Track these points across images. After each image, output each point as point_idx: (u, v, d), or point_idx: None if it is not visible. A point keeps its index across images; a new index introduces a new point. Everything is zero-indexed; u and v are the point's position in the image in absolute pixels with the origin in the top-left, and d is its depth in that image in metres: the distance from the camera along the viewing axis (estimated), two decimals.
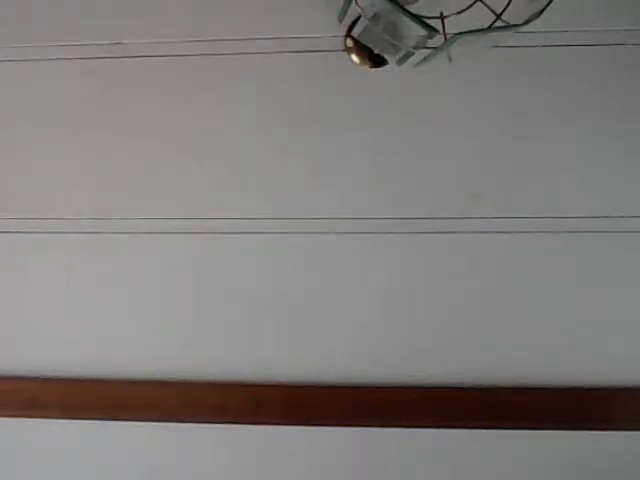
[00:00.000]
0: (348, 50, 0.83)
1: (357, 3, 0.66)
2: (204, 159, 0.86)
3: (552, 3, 0.54)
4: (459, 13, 0.62)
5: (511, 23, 0.58)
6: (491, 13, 0.61)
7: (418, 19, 0.54)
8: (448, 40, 0.56)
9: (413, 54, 0.65)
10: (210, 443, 0.90)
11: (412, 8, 0.56)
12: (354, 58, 0.83)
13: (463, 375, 0.87)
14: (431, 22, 0.55)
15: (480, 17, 0.60)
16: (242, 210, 0.87)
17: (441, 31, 0.59)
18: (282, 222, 0.86)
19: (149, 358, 0.89)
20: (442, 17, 0.60)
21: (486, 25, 0.59)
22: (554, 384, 0.86)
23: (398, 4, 0.53)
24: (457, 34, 0.54)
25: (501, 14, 0.61)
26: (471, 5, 0.63)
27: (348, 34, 0.83)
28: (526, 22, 0.56)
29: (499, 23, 0.60)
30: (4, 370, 0.91)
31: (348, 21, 0.81)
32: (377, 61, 0.83)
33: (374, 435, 0.88)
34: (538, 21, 0.56)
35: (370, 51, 0.79)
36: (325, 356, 0.88)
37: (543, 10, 0.55)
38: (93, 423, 0.89)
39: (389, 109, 0.84)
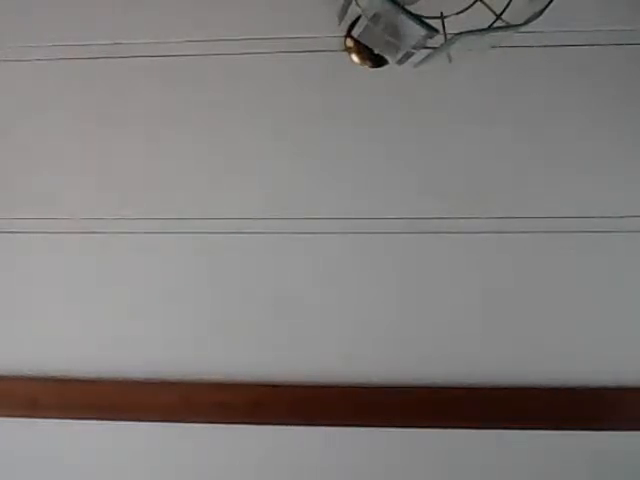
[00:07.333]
0: (348, 50, 0.83)
1: (357, 3, 0.66)
2: (204, 159, 0.87)
3: (552, 3, 0.54)
4: (459, 13, 0.62)
5: (511, 23, 0.58)
6: (491, 13, 0.61)
7: (418, 19, 0.54)
8: (448, 40, 0.56)
9: (413, 54, 0.65)
10: (210, 443, 0.90)
11: (412, 8, 0.56)
12: (354, 58, 0.83)
13: (463, 375, 0.87)
14: (431, 22, 0.55)
15: (480, 17, 0.60)
16: (242, 210, 0.87)
17: (441, 31, 0.59)
18: (282, 222, 0.86)
19: (149, 358, 0.90)
20: (442, 17, 0.60)
21: (486, 25, 0.59)
22: (554, 384, 0.86)
23: (398, 4, 0.53)
24: (457, 34, 0.54)
25: (501, 14, 0.61)
26: (471, 5, 0.63)
27: (348, 34, 0.83)
28: (526, 22, 0.56)
29: (499, 23, 0.60)
30: (4, 370, 0.91)
31: (348, 21, 0.81)
32: (377, 61, 0.83)
33: (374, 435, 0.88)
34: (538, 21, 0.56)
35: (370, 51, 0.79)
36: (325, 356, 0.88)
37: (543, 10, 0.55)
38: (93, 423, 0.89)
39: (389, 109, 0.84)
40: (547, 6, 0.55)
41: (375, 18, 0.62)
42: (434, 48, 0.60)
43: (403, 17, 0.54)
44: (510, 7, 0.60)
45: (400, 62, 0.68)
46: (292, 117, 0.85)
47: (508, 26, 0.58)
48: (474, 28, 0.55)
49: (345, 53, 0.83)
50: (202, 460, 0.91)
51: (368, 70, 0.84)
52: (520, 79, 0.83)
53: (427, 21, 0.54)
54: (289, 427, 0.88)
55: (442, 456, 0.89)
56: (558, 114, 0.83)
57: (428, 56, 0.63)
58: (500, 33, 0.57)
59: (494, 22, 0.61)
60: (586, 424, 0.86)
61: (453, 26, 0.58)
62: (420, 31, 0.55)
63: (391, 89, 0.83)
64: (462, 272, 0.86)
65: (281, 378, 0.88)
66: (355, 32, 0.78)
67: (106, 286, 0.89)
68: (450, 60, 0.61)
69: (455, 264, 0.86)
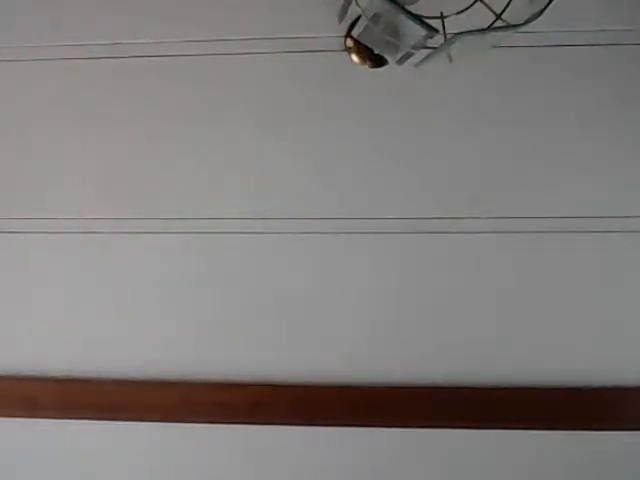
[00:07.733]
0: (348, 50, 0.83)
1: (357, 3, 0.66)
2: (204, 159, 0.87)
3: (552, 3, 0.54)
4: (459, 13, 0.62)
5: (511, 23, 0.58)
6: (491, 13, 0.61)
7: (418, 19, 0.54)
8: (448, 40, 0.56)
9: (413, 54, 0.65)
10: (210, 443, 0.90)
11: (412, 8, 0.56)
12: (354, 58, 0.83)
13: (463, 375, 0.87)
14: (431, 22, 0.55)
15: (480, 17, 0.60)
16: (242, 210, 0.87)
17: (441, 31, 0.59)
18: (282, 222, 0.86)
19: (149, 358, 0.90)
20: (442, 17, 0.60)
21: (486, 25, 0.59)
22: (554, 384, 0.86)
23: (398, 4, 0.53)
24: (457, 34, 0.54)
25: (501, 14, 0.61)
26: (471, 5, 0.63)
27: (348, 34, 0.83)
28: (526, 22, 0.56)
29: (499, 23, 0.60)
30: (4, 370, 0.91)
31: (348, 21, 0.81)
32: (377, 61, 0.83)
33: (374, 435, 0.88)
34: (538, 21, 0.56)
35: (370, 51, 0.79)
36: (325, 356, 0.88)
37: (543, 10, 0.55)
38: (93, 423, 0.89)
39: (389, 109, 0.84)
40: (547, 6, 0.55)
41: (375, 18, 0.62)
42: (434, 48, 0.60)
43: (403, 17, 0.54)
44: (510, 7, 0.60)
45: (400, 62, 0.68)
46: (292, 117, 0.85)
47: (508, 26, 0.58)
48: (474, 28, 0.55)
49: (345, 53, 0.83)
50: (202, 460, 0.91)
51: (368, 70, 0.84)
52: (520, 79, 0.83)
53: (427, 21, 0.54)
54: (289, 427, 0.88)
55: (442, 456, 0.89)
56: (558, 114, 0.83)
57: (428, 56, 0.63)
58: (500, 33, 0.57)
59: (494, 22, 0.61)
60: (586, 424, 0.86)
61: (453, 26, 0.58)
62: (420, 31, 0.55)
63: (391, 89, 0.83)
64: (462, 272, 0.86)
65: (281, 378, 0.88)
66: (355, 32, 0.78)
67: (106, 286, 0.89)
68: (450, 60, 0.61)
69: (455, 264, 0.86)
